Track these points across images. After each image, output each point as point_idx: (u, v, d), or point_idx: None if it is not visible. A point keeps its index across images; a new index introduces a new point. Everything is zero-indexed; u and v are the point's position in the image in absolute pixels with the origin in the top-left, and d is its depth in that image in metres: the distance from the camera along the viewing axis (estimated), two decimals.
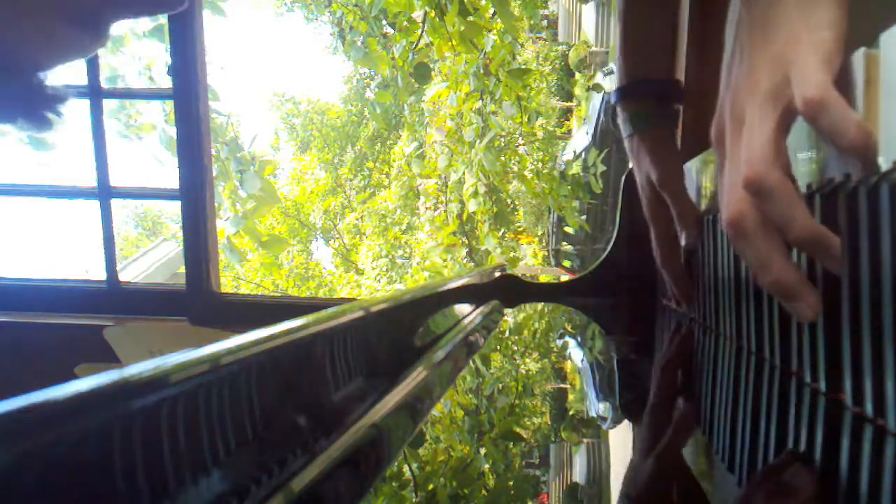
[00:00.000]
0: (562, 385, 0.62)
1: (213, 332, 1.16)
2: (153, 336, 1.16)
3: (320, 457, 0.31)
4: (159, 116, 2.69)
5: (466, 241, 4.41)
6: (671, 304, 0.87)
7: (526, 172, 4.00)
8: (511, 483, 0.36)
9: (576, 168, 3.66)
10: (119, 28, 2.63)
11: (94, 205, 1.28)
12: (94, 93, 1.25)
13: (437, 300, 0.66)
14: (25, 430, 0.16)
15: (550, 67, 9.11)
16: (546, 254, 7.24)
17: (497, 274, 1.07)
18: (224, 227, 2.63)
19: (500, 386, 0.58)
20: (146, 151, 2.71)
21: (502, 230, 5.73)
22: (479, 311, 0.86)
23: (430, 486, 0.35)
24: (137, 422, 0.20)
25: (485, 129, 3.35)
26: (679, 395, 0.50)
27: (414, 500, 0.33)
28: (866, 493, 0.27)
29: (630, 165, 0.85)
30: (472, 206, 3.68)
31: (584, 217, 4.51)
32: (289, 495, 0.27)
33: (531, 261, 7.13)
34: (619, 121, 0.84)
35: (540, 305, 1.06)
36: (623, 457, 0.40)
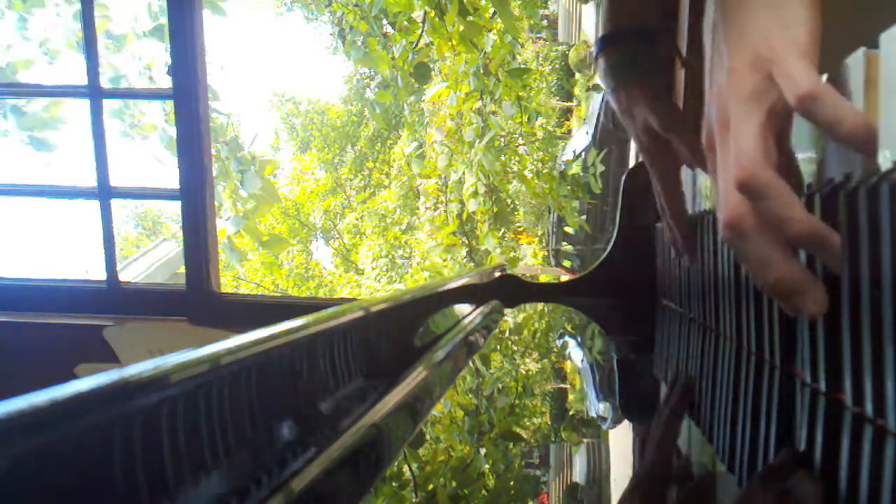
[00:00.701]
0: (562, 385, 0.62)
1: (213, 332, 1.16)
2: (153, 336, 1.16)
3: (320, 457, 0.31)
4: (160, 116, 2.69)
5: (466, 241, 4.41)
6: (671, 303, 0.87)
7: (526, 172, 4.00)
8: (511, 483, 0.36)
9: (576, 168, 3.66)
10: (119, 27, 2.63)
11: (94, 205, 1.28)
12: (94, 93, 1.25)
13: (437, 300, 0.66)
14: (25, 430, 0.16)
15: (550, 67, 9.10)
16: (546, 254, 7.24)
17: (497, 274, 1.07)
18: (225, 226, 2.63)
19: (500, 386, 0.58)
20: (147, 151, 2.72)
21: (502, 230, 5.73)
22: (479, 311, 0.86)
23: (430, 486, 0.35)
24: (137, 422, 0.20)
25: (485, 129, 3.35)
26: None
27: (414, 500, 0.33)
28: (866, 494, 0.27)
29: (639, 159, 0.82)
30: (472, 206, 3.68)
31: (584, 217, 4.50)
32: (289, 495, 0.27)
33: (531, 261, 7.12)
34: (601, 74, 0.78)
35: (540, 305, 1.06)
36: (623, 457, 0.40)
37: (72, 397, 0.17)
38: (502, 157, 3.85)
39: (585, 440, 0.44)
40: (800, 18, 0.37)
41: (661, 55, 0.78)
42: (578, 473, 0.38)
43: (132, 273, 6.90)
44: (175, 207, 1.26)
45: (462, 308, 0.78)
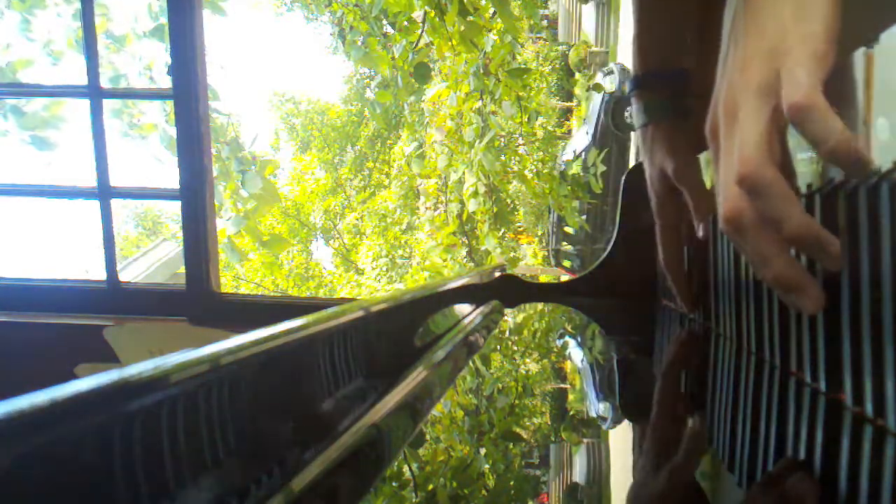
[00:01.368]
0: (562, 385, 0.62)
1: (213, 332, 1.16)
2: (153, 336, 1.16)
3: (320, 457, 0.31)
4: (160, 116, 2.69)
5: (466, 241, 4.41)
6: (671, 304, 0.87)
7: (526, 172, 4.00)
8: (511, 483, 0.36)
9: (576, 168, 3.66)
10: (119, 27, 2.63)
11: (94, 205, 1.28)
12: (94, 93, 1.25)
13: (437, 300, 0.66)
14: (25, 430, 0.16)
15: (550, 67, 9.10)
16: (546, 254, 7.24)
17: (497, 274, 1.07)
18: (225, 226, 2.63)
19: (500, 386, 0.58)
20: (147, 151, 2.72)
21: (502, 230, 5.73)
22: (479, 311, 0.86)
23: (430, 486, 0.35)
24: (137, 422, 0.20)
25: (485, 129, 3.36)
26: (683, 404, 0.49)
27: (414, 500, 0.33)
28: (866, 494, 0.27)
29: (639, 159, 0.83)
30: (472, 206, 3.69)
31: (584, 217, 4.51)
32: (289, 495, 0.27)
33: (531, 261, 7.13)
34: (633, 111, 0.81)
35: (540, 305, 1.06)
36: (623, 457, 0.40)
37: (72, 397, 0.17)
38: (502, 157, 3.85)
39: (585, 440, 0.44)
40: (820, 14, 0.37)
41: (688, 101, 0.79)
42: (578, 473, 0.38)
43: (132, 273, 6.90)
44: (175, 207, 1.26)
45: (462, 308, 0.78)
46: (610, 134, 6.44)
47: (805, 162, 0.42)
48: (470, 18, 2.64)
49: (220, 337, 0.26)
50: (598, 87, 5.28)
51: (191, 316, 1.22)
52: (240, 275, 10.41)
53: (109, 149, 1.26)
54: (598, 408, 0.51)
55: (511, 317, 0.97)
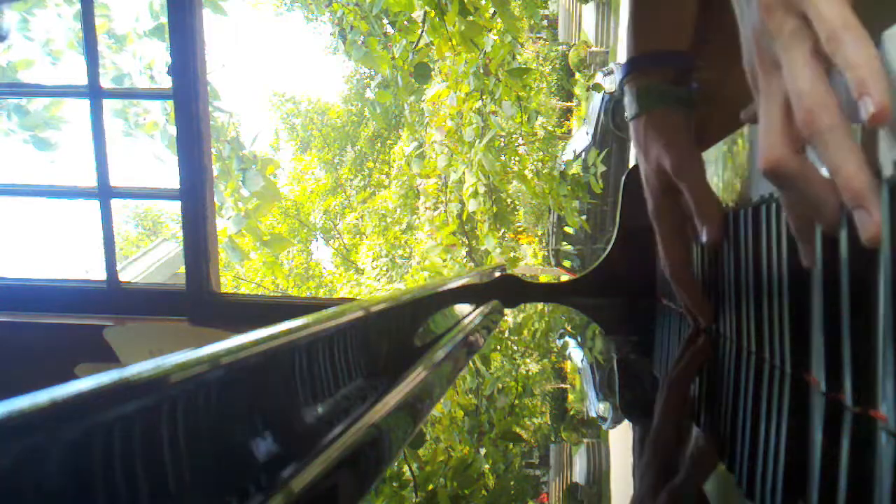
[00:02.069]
0: (562, 385, 0.62)
1: (213, 332, 1.16)
2: (153, 336, 1.16)
3: (320, 457, 0.31)
4: (162, 116, 2.70)
5: (466, 241, 4.41)
6: (671, 303, 0.87)
7: (526, 172, 4.00)
8: (511, 483, 0.36)
9: (576, 168, 3.66)
10: (120, 26, 2.63)
11: (94, 205, 1.28)
12: (94, 93, 1.25)
13: (437, 300, 0.66)
14: (26, 430, 0.16)
15: (550, 67, 9.11)
16: (546, 254, 7.24)
17: (497, 274, 1.07)
18: (227, 226, 2.64)
19: (500, 386, 0.58)
20: (149, 150, 2.73)
21: (502, 230, 5.73)
22: (479, 311, 0.86)
23: (430, 487, 0.35)
24: (137, 422, 0.20)
25: (485, 129, 3.36)
26: (689, 419, 0.46)
27: (414, 500, 0.33)
28: (867, 494, 0.27)
29: (634, 161, 0.78)
30: (472, 206, 3.69)
31: (584, 217, 4.50)
32: (289, 495, 0.27)
33: (531, 261, 7.13)
34: (625, 101, 0.72)
35: (540, 305, 1.06)
36: (623, 457, 0.40)
37: (72, 397, 0.17)
38: (502, 157, 3.85)
39: (585, 440, 0.44)
40: None
41: (691, 87, 0.71)
42: (578, 473, 0.38)
43: (132, 273, 6.91)
44: (175, 207, 1.26)
45: (462, 308, 0.78)
46: (610, 134, 6.43)
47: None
48: (470, 18, 2.64)
49: (220, 337, 0.26)
50: (597, 87, 5.28)
51: (191, 316, 1.22)
52: (240, 275, 10.41)
53: (109, 149, 1.26)
54: (598, 408, 0.51)
55: (511, 317, 0.97)
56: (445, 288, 0.70)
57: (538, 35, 9.58)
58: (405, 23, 2.81)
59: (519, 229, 7.80)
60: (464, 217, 4.15)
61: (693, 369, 0.58)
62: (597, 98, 6.69)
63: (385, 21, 3.11)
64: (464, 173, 3.69)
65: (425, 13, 2.71)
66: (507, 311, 0.98)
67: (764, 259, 0.50)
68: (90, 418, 0.18)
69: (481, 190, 3.66)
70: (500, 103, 3.20)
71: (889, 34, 0.33)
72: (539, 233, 7.72)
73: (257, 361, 0.27)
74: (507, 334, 0.86)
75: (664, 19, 0.74)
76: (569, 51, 9.13)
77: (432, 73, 3.04)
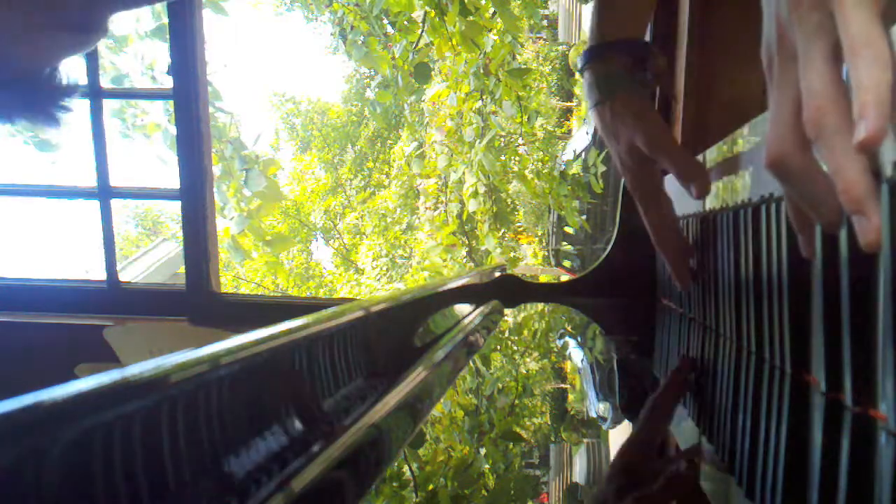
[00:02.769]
0: (562, 385, 0.62)
1: (213, 332, 1.16)
2: (153, 336, 1.16)
3: (320, 457, 0.31)
4: (163, 116, 2.69)
5: (466, 241, 4.41)
6: (671, 303, 0.87)
7: (526, 172, 4.00)
8: (511, 483, 0.36)
9: (576, 168, 3.66)
10: (121, 27, 2.63)
11: (94, 205, 1.28)
12: (94, 93, 1.25)
13: (437, 300, 0.66)
14: (25, 430, 0.16)
15: (550, 67, 9.11)
16: (546, 254, 7.24)
17: (497, 274, 1.07)
18: (229, 226, 2.63)
19: (500, 386, 0.58)
20: (150, 151, 2.72)
21: (502, 230, 5.73)
22: (479, 311, 0.86)
23: (430, 486, 0.35)
24: (137, 422, 0.20)
25: (485, 129, 3.36)
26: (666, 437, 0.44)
27: (414, 500, 0.33)
28: (866, 493, 0.27)
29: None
30: (472, 206, 3.69)
31: (584, 217, 4.50)
32: (289, 495, 0.27)
33: (531, 261, 7.13)
34: (585, 89, 0.75)
35: (540, 305, 1.06)
36: None
37: (72, 397, 0.17)
38: (502, 157, 3.85)
39: (585, 440, 0.44)
40: None
41: (651, 71, 0.74)
42: (578, 473, 0.38)
43: (132, 273, 6.91)
44: (175, 207, 1.26)
45: (462, 308, 0.78)
46: None
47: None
48: (470, 18, 2.64)
49: (220, 337, 0.26)
50: None
51: (191, 316, 1.22)
52: (240, 275, 10.42)
53: (110, 149, 1.26)
54: (598, 408, 0.51)
55: (511, 317, 0.97)
56: (445, 288, 0.70)
57: (538, 35, 9.58)
58: (405, 23, 2.81)
59: (519, 229, 7.80)
60: (464, 217, 4.15)
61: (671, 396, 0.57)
62: None
63: (385, 21, 3.11)
64: (464, 173, 3.69)
65: (425, 13, 2.71)
66: (507, 311, 0.98)
67: (764, 259, 0.50)
68: (90, 418, 0.18)
69: (481, 190, 3.66)
70: (500, 103, 3.20)
71: (890, 34, 0.33)
72: (539, 233, 7.72)
73: (257, 361, 0.27)
74: (507, 334, 0.86)
75: (623, 9, 0.77)
76: (569, 51, 9.13)
77: (432, 73, 3.04)
